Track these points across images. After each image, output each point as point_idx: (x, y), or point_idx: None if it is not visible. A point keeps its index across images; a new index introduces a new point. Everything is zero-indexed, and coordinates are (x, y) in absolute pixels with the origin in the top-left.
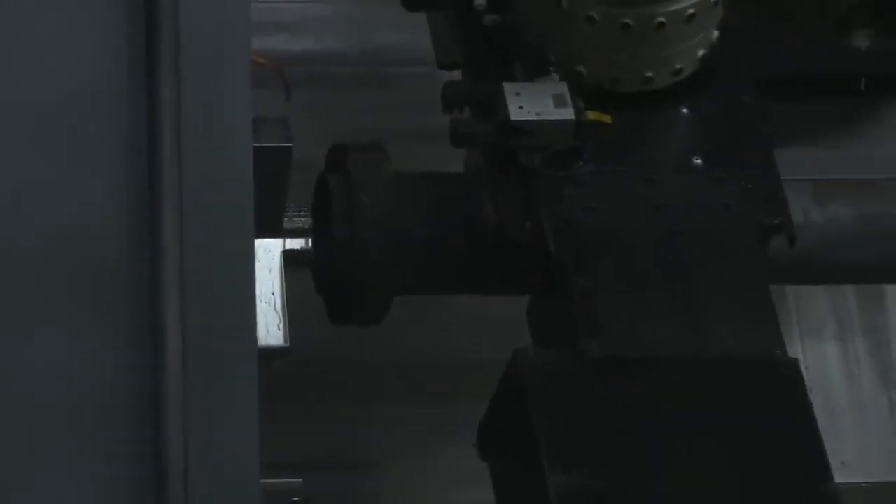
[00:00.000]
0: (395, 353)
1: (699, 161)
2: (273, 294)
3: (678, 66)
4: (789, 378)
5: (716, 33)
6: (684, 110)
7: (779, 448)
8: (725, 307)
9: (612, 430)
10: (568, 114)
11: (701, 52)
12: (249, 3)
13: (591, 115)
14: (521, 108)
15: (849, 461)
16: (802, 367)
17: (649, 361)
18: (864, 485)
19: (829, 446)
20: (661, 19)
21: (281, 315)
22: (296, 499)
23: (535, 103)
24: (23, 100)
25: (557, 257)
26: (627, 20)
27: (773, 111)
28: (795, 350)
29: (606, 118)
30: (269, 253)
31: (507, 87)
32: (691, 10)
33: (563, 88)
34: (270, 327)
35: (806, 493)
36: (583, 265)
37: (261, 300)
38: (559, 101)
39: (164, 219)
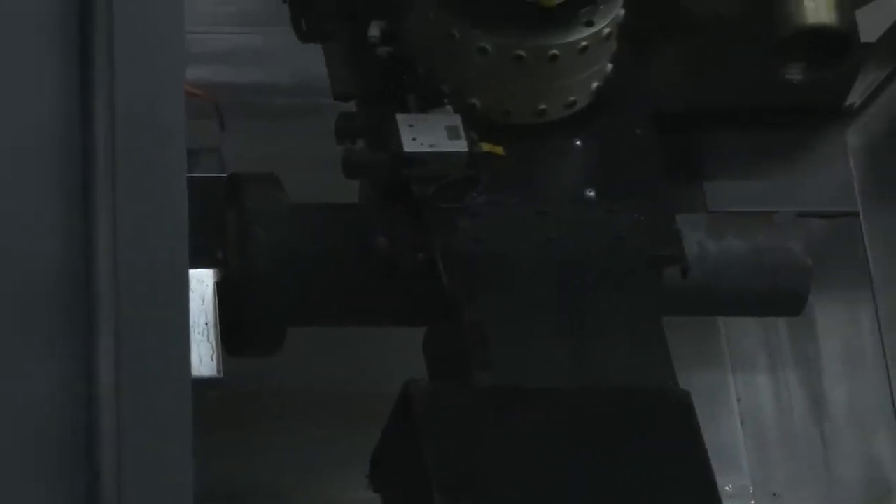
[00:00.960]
0: (317, 382)
1: (592, 193)
2: (206, 324)
3: (571, 99)
4: (680, 410)
5: (609, 66)
6: (577, 142)
7: (669, 480)
8: (617, 339)
9: (503, 462)
10: (461, 146)
11: (595, 85)
12: (185, 34)
13: (485, 146)
14: (414, 139)
15: (781, 493)
16: (734, 399)
17: (540, 393)
18: None
19: (761, 477)
20: (555, 52)
21: (214, 346)
22: None
23: (428, 135)
24: None
25: (450, 288)
26: (520, 52)
27: (702, 143)
28: (727, 381)
29: (499, 150)
30: (202, 284)
31: (401, 118)
32: (584, 43)
33: (456, 120)
34: (203, 358)
35: None
36: (474, 296)
37: (194, 331)
38: (452, 133)
39: (99, 249)
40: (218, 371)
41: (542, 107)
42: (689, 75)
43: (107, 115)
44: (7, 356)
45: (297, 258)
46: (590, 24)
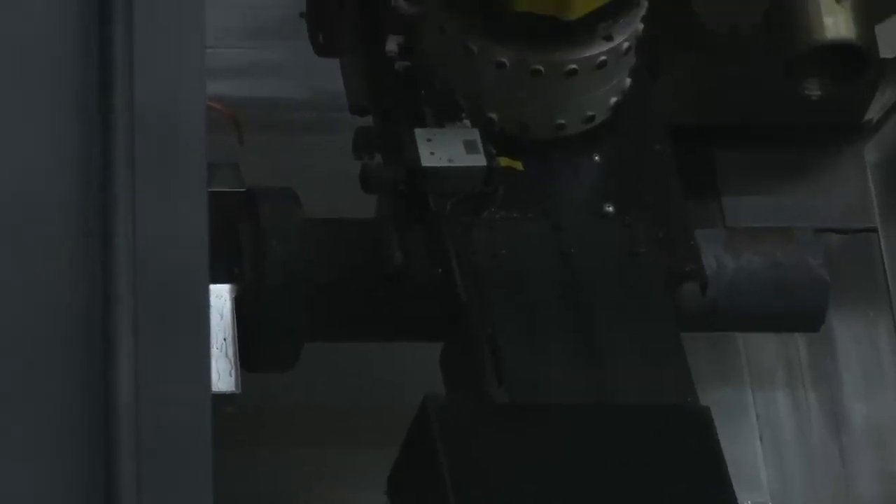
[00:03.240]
0: (331, 399)
1: (610, 208)
2: (224, 340)
3: (590, 114)
4: (701, 426)
5: (628, 80)
6: (596, 157)
7: (690, 497)
8: (636, 354)
9: (521, 478)
10: (479, 160)
11: (613, 100)
12: (204, 48)
13: (503, 161)
14: (432, 153)
15: None
16: (753, 415)
17: (559, 409)
18: None
19: (781, 493)
20: (573, 66)
21: (232, 361)
22: None
23: (446, 149)
24: None
25: (466, 302)
26: (538, 66)
27: (719, 159)
28: (745, 396)
29: (518, 164)
30: (220, 298)
31: (419, 132)
32: (603, 58)
33: (474, 134)
34: (222, 373)
35: None
36: (490, 311)
37: (212, 346)
38: (471, 147)
39: (118, 265)
40: (236, 387)
41: (561, 121)
42: (706, 90)
43: (126, 129)
44: (26, 371)
45: (311, 273)
46: (608, 38)
